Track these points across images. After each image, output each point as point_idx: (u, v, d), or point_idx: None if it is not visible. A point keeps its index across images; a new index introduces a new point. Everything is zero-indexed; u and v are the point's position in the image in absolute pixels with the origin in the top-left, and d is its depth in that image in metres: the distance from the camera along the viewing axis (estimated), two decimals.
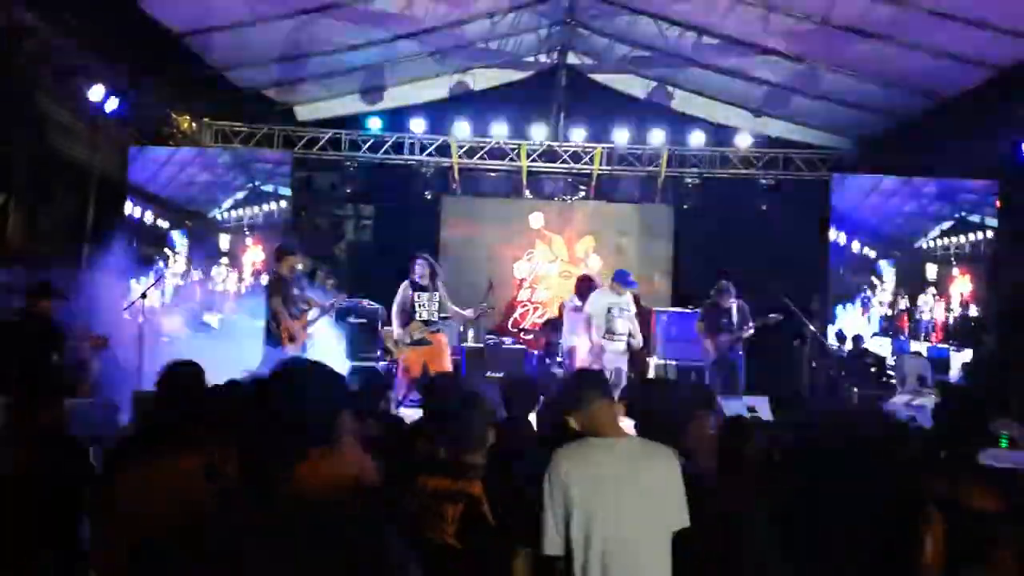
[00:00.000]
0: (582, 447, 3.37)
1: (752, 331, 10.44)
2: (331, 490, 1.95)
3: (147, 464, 3.37)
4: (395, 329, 9.53)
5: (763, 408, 7.64)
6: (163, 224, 12.51)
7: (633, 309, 10.30)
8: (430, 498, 3.22)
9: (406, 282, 9.56)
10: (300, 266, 9.79)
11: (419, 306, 9.48)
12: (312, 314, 9.43)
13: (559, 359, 11.35)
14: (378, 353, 11.28)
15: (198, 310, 12.33)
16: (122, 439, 4.19)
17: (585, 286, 10.58)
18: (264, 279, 11.86)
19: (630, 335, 10.14)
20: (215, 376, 5.55)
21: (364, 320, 11.47)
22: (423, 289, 9.50)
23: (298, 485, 1.92)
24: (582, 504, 3.22)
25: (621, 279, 10.13)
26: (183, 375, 3.92)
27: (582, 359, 10.14)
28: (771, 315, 10.47)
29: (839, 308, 12.34)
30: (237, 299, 12.43)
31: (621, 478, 3.28)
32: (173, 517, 3.00)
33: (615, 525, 3.23)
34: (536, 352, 12.12)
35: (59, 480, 3.76)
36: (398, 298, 9.53)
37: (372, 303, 11.60)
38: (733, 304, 10.58)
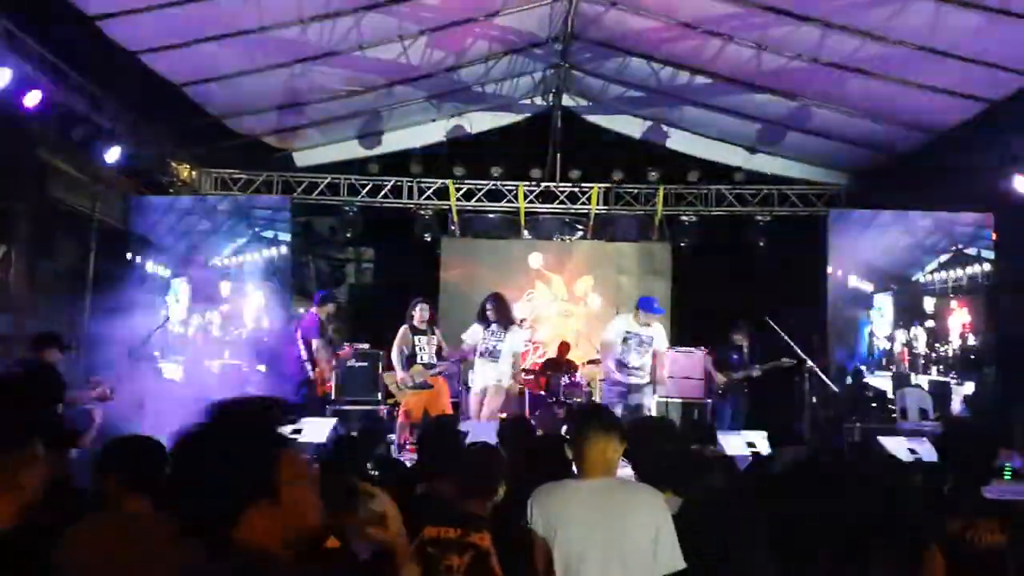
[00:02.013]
0: (554, 488, 3.37)
1: (759, 372, 10.53)
2: (276, 546, 1.80)
3: (90, 519, 3.37)
4: (397, 372, 9.56)
5: (762, 443, 7.65)
6: (164, 272, 12.55)
7: (660, 345, 9.90)
8: (434, 548, 3.17)
9: (405, 326, 9.62)
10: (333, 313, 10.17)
11: (419, 349, 9.53)
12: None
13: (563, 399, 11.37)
14: (378, 396, 11.27)
15: (199, 357, 12.33)
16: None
17: (495, 306, 9.52)
18: (266, 323, 11.95)
19: (654, 371, 9.75)
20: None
21: (364, 364, 11.46)
22: (423, 333, 9.57)
23: (242, 547, 1.78)
24: None
25: (644, 306, 9.75)
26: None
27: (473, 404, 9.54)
28: (784, 359, 10.54)
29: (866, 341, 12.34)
30: (238, 346, 12.43)
31: (589, 520, 3.24)
32: (130, 565, 3.00)
33: (577, 567, 3.20)
34: (537, 392, 12.10)
35: (62, 532, 3.76)
36: (398, 341, 9.58)
37: (372, 348, 11.60)
38: (745, 343, 10.68)
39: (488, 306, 9.53)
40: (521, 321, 12.26)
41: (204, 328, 12.56)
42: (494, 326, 9.45)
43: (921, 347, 12.13)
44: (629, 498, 3.32)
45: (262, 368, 11.90)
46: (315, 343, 9.65)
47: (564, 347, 12.79)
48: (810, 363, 10.74)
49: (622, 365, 9.72)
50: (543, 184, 13.86)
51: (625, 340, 9.73)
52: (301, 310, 12.56)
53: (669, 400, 11.44)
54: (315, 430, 7.96)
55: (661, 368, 9.98)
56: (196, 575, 1.81)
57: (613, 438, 3.42)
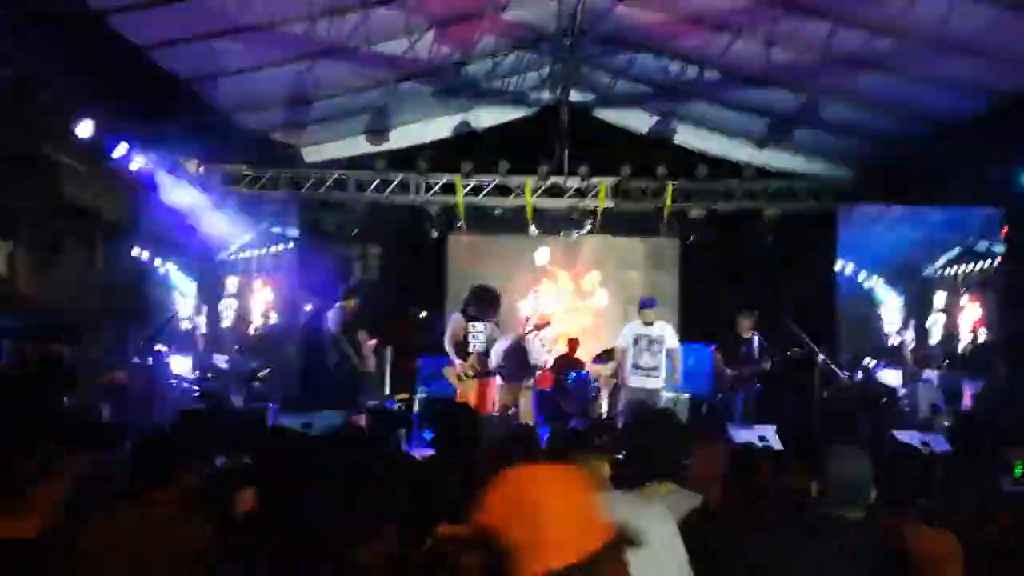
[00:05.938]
0: None
1: (770, 365, 10.49)
2: None
3: (113, 511, 3.37)
4: (456, 362, 9.63)
5: (771, 436, 7.64)
6: (171, 268, 12.54)
7: (672, 342, 10.23)
8: (448, 545, 3.10)
9: (458, 313, 9.74)
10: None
11: (472, 337, 9.62)
12: None
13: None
14: (387, 392, 11.29)
15: (207, 352, 12.34)
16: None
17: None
18: (274, 318, 11.93)
19: (673, 371, 10.13)
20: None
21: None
22: (475, 319, 9.69)
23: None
24: None
25: (644, 304, 10.28)
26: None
27: None
28: (794, 348, 10.52)
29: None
30: (246, 340, 12.43)
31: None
32: (158, 554, 3.02)
33: None
34: (545, 388, 12.05)
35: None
36: (450, 329, 9.70)
37: (379, 343, 11.59)
38: (752, 334, 10.64)
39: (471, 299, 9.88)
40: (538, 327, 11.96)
41: (211, 323, 12.57)
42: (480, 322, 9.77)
43: (932, 342, 12.08)
44: (643, 512, 3.23)
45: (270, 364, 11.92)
46: (360, 334, 9.95)
47: (574, 343, 12.76)
48: (821, 356, 10.69)
49: (636, 367, 10.01)
50: (550, 179, 13.81)
51: (636, 342, 10.01)
52: (308, 307, 12.55)
53: (678, 396, 11.43)
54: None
55: (677, 369, 10.22)
56: None
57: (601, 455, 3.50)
